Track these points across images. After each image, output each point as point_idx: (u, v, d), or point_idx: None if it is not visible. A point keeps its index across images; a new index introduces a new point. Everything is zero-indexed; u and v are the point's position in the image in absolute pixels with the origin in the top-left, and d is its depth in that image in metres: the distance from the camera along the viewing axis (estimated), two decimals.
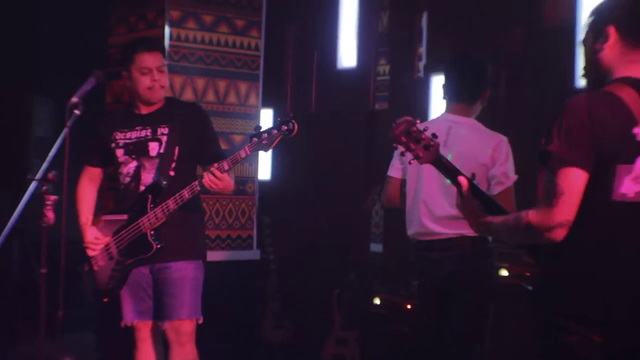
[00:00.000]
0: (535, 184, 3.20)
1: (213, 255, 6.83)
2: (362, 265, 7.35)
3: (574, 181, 3.00)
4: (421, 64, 7.31)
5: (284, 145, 8.14)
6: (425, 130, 3.36)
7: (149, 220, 4.82)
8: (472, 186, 3.34)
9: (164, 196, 4.80)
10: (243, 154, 4.64)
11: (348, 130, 7.75)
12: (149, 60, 4.93)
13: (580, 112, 3.02)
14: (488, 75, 5.21)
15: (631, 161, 3.05)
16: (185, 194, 4.73)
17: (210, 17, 6.83)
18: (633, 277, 3.08)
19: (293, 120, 4.61)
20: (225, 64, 6.89)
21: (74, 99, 4.41)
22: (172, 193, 4.77)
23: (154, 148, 4.98)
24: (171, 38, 6.61)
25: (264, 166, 8.28)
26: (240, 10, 6.98)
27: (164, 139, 4.95)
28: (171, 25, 6.62)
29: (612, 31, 3.14)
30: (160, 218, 4.78)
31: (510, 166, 4.98)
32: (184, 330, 5.02)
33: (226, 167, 4.69)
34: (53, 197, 4.38)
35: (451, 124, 5.09)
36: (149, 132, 5.00)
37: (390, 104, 7.55)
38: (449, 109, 5.22)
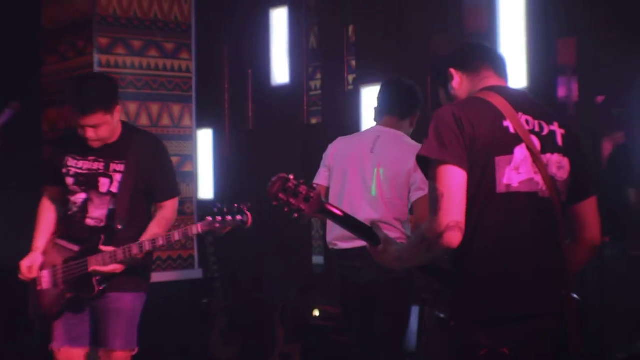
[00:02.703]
0: None
1: (156, 277, 6.88)
2: (305, 278, 7.43)
3: (451, 180, 3.07)
4: (352, 77, 7.41)
5: (224, 163, 8.29)
6: (301, 183, 3.39)
7: (96, 261, 4.78)
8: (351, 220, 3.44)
9: (117, 238, 4.80)
10: (194, 231, 4.73)
11: (285, 146, 7.83)
12: (86, 121, 4.75)
13: (445, 116, 3.16)
14: (419, 98, 5.36)
15: (509, 152, 3.15)
16: (135, 249, 4.72)
17: (139, 42, 6.93)
18: (527, 268, 3.16)
19: (248, 213, 4.67)
20: (156, 87, 6.98)
21: None
22: (125, 235, 4.78)
23: (104, 184, 4.91)
24: (100, 64, 6.69)
25: (206, 185, 8.36)
26: (169, 33, 7.07)
27: (117, 177, 4.89)
28: (99, 52, 6.69)
29: (453, 71, 3.43)
30: (108, 264, 4.76)
31: None
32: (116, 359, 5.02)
33: (177, 237, 4.76)
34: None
35: (379, 134, 5.26)
36: (101, 165, 4.91)
37: (323, 117, 7.65)
38: (378, 122, 5.37)
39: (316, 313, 6.70)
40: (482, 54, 3.44)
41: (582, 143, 3.40)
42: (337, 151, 5.42)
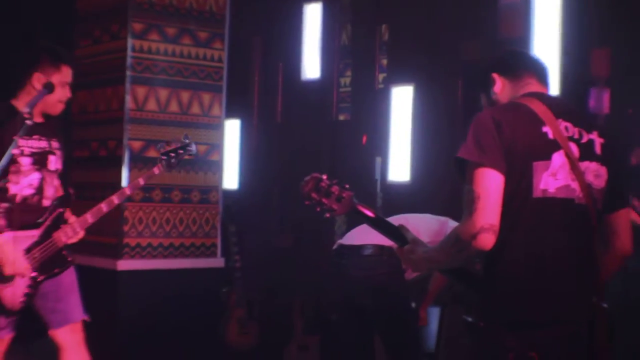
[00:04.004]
0: None
1: (178, 263, 6.99)
2: (325, 273, 7.46)
3: (488, 182, 3.08)
4: (382, 76, 7.44)
5: (251, 155, 8.34)
6: (333, 183, 3.42)
7: (65, 234, 4.82)
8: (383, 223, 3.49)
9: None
10: (157, 171, 5.01)
11: (312, 140, 7.87)
12: (69, 74, 4.87)
13: (485, 120, 3.18)
14: None
15: (547, 157, 3.17)
16: (104, 207, 4.83)
17: (173, 29, 6.94)
18: (560, 274, 3.17)
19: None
20: (188, 75, 6.99)
21: (25, 110, 4.42)
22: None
23: (52, 161, 4.92)
24: (134, 49, 6.72)
25: (232, 175, 8.41)
26: (204, 22, 7.09)
27: (58, 153, 4.94)
28: (134, 37, 6.73)
29: (496, 76, 3.45)
30: (78, 232, 4.82)
31: None
32: (79, 330, 5.01)
33: (142, 183, 4.99)
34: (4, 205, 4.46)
35: None
36: (45, 144, 4.91)
37: (352, 114, 7.69)
38: None
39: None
40: (525, 61, 3.47)
41: (622, 153, 3.43)
42: None
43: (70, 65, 4.91)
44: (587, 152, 3.25)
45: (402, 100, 7.22)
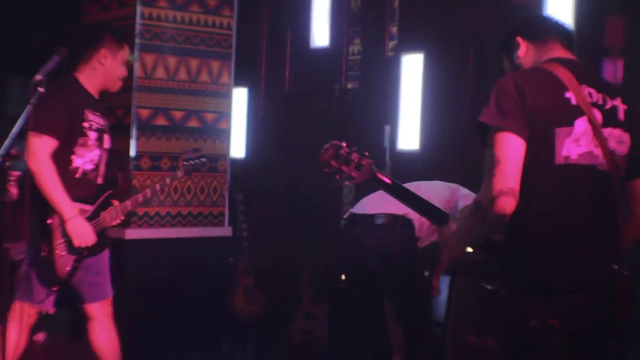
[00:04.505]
0: None
1: (185, 232, 6.97)
2: (333, 242, 7.43)
3: (508, 147, 3.06)
4: (392, 44, 7.38)
5: (258, 123, 8.30)
6: (353, 151, 3.41)
7: (110, 216, 4.98)
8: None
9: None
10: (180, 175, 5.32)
11: (321, 109, 7.82)
12: (128, 54, 5.13)
13: (507, 85, 3.15)
14: None
15: (569, 124, 3.14)
16: (140, 197, 5.11)
17: None
18: (582, 241, 3.15)
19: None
20: (197, 43, 6.94)
21: (38, 77, 4.37)
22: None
23: (106, 140, 5.07)
24: (142, 17, 6.66)
25: (238, 144, 8.36)
26: None
27: (109, 132, 5.10)
28: (143, 4, 6.66)
29: (520, 40, 3.42)
30: (119, 216, 5.03)
31: None
32: (109, 305, 5.19)
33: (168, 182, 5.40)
34: (16, 173, 4.43)
35: None
36: (104, 122, 5.05)
37: (361, 82, 7.63)
38: None
39: (343, 277, 6.71)
40: (550, 25, 3.44)
41: None
42: None
43: (130, 46, 5.17)
44: (610, 118, 3.22)
45: (412, 69, 7.16)
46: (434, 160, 6.90)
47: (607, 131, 3.19)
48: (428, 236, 5.29)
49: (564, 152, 3.13)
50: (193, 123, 6.94)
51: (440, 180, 5.89)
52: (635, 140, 3.28)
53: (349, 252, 5.54)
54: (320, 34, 7.91)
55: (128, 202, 5.04)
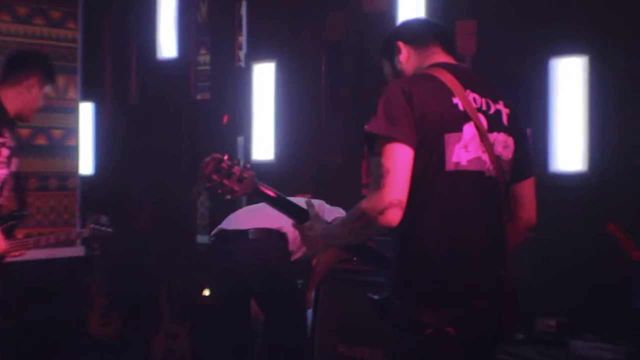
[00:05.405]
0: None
1: (37, 254, 6.66)
2: (189, 257, 7.30)
3: (397, 157, 3.01)
4: (242, 53, 7.29)
5: (105, 138, 8.07)
6: (235, 163, 3.33)
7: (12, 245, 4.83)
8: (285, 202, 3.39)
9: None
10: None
11: (171, 121, 7.67)
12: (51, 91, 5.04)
13: (395, 92, 3.10)
14: None
15: (459, 129, 3.12)
16: (42, 241, 5.10)
17: (25, 9, 6.68)
18: (473, 248, 3.13)
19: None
20: None
21: None
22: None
23: (14, 163, 4.89)
24: None
25: (87, 160, 8.11)
26: (56, 1, 6.82)
27: (17, 157, 4.92)
28: None
29: (401, 44, 3.37)
30: (16, 249, 4.87)
31: None
32: None
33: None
34: None
35: None
36: (15, 145, 4.88)
37: (211, 93, 7.51)
38: None
39: (206, 292, 6.59)
40: (431, 29, 3.42)
41: (523, 123, 3.41)
42: None
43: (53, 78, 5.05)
44: (495, 123, 3.22)
45: (264, 78, 7.09)
46: (290, 170, 6.85)
47: (492, 136, 3.19)
48: (300, 248, 5.24)
49: (454, 159, 3.10)
50: (40, 140, 6.71)
51: (297, 190, 5.85)
52: (518, 143, 3.30)
53: (219, 268, 5.42)
54: (167, 45, 7.74)
55: (30, 240, 4.98)
